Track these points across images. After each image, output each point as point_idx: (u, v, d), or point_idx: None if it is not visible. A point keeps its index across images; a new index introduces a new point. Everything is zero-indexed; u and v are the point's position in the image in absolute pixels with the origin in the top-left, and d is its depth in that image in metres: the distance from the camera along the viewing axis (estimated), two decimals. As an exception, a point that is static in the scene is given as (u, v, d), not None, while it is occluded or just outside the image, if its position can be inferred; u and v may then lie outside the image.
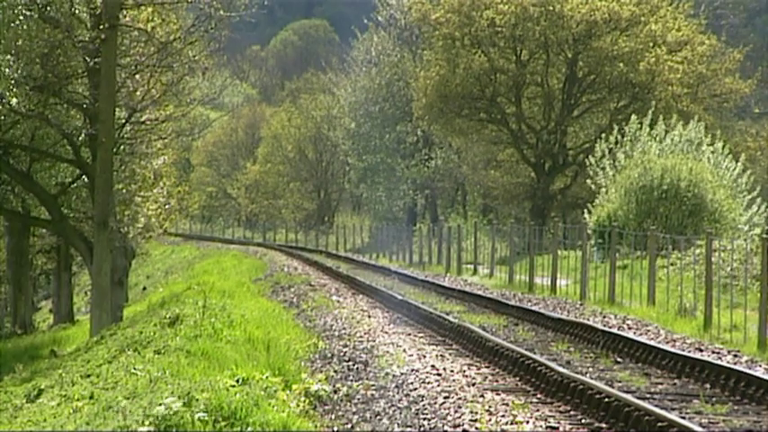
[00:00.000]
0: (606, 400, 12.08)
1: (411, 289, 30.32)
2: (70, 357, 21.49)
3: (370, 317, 22.35)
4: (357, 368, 15.45)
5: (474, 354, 16.90)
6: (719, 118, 53.98)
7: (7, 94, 25.75)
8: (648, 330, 20.21)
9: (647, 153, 37.78)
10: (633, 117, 40.85)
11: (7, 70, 25.92)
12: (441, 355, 16.65)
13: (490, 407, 12.39)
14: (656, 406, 11.87)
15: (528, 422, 11.70)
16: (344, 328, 20.09)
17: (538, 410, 12.44)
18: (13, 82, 25.77)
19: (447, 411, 12.11)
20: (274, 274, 36.25)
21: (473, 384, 13.97)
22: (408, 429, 11.46)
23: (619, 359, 16.66)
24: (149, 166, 31.61)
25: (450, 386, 13.74)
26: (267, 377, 13.09)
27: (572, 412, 12.41)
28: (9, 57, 26.10)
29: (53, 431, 12.21)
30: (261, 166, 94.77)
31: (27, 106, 27.38)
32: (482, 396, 13.09)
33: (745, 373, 13.93)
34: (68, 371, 17.43)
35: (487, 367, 15.59)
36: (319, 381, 13.87)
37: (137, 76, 28.20)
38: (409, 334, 19.50)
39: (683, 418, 11.61)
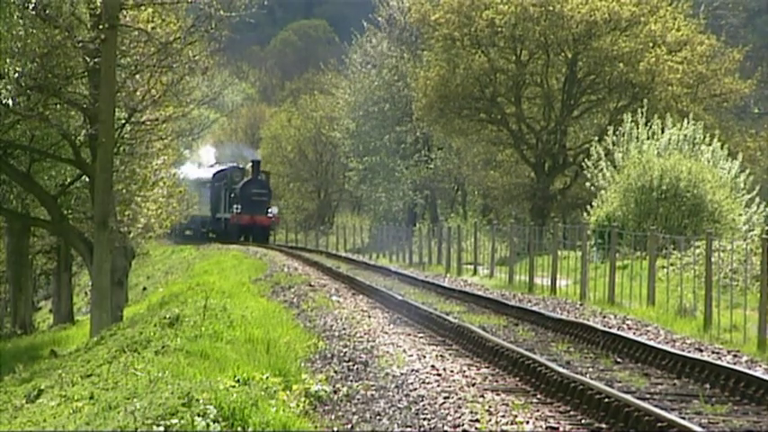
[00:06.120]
0: (606, 400, 12.10)
1: (411, 289, 30.31)
2: (70, 357, 21.49)
3: (370, 317, 22.36)
4: (357, 368, 15.46)
5: (474, 354, 16.91)
6: (719, 118, 53.95)
7: (5, 93, 25.75)
8: (648, 330, 20.23)
9: (645, 153, 37.76)
10: (626, 116, 40.82)
11: (8, 70, 25.92)
12: (441, 356, 16.66)
13: (490, 407, 12.40)
14: (656, 406, 11.89)
15: (528, 422, 11.72)
16: (344, 329, 20.09)
17: (538, 410, 12.45)
18: (9, 82, 25.76)
19: (447, 411, 12.12)
20: (274, 274, 36.24)
21: (473, 384, 13.98)
22: (408, 429, 11.47)
23: (619, 359, 16.68)
24: (149, 167, 31.61)
25: (450, 386, 13.75)
26: (267, 377, 13.10)
27: (572, 412, 12.42)
28: (8, 58, 26.10)
29: (53, 431, 12.21)
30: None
31: (27, 106, 27.39)
32: (482, 396, 13.11)
33: (745, 374, 13.95)
34: (68, 371, 17.42)
35: (487, 367, 15.60)
36: (319, 381, 13.88)
37: (137, 77, 28.20)
38: (409, 334, 19.51)
39: (683, 418, 11.62)
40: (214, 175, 74.26)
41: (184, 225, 70.95)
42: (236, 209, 68.98)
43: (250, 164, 73.44)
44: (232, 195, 70.20)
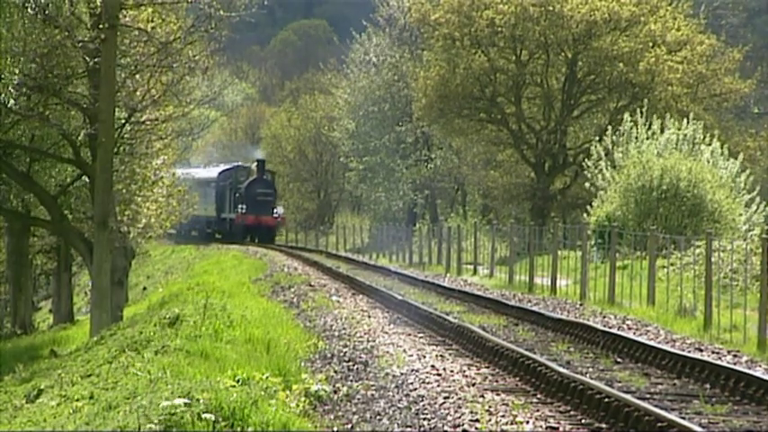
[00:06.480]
0: (606, 400, 12.09)
1: (411, 289, 30.32)
2: (70, 357, 21.50)
3: (369, 317, 22.36)
4: (357, 368, 15.45)
5: (474, 354, 16.91)
6: (719, 118, 53.94)
7: (5, 93, 25.76)
8: (648, 330, 20.23)
9: (645, 153, 37.75)
10: (626, 116, 40.80)
11: (7, 72, 25.92)
12: (441, 356, 16.66)
13: (490, 407, 12.40)
14: (656, 406, 11.89)
15: (528, 422, 11.72)
16: (344, 329, 20.09)
17: (538, 410, 12.45)
18: (9, 82, 25.76)
19: (447, 411, 12.12)
20: (274, 274, 36.24)
21: (473, 384, 13.98)
22: (408, 429, 11.47)
23: (619, 359, 16.68)
24: (149, 167, 31.62)
25: (450, 386, 13.75)
26: (267, 377, 13.10)
27: (572, 412, 12.42)
28: (8, 58, 26.11)
29: (53, 431, 12.22)
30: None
31: (27, 106, 27.40)
32: (482, 396, 13.11)
33: (745, 373, 13.95)
34: (68, 371, 17.43)
35: (487, 367, 15.60)
36: (319, 381, 13.88)
37: (137, 76, 28.21)
38: (409, 334, 19.51)
39: (683, 418, 11.62)
40: (219, 174, 73.53)
41: (189, 225, 70.30)
42: (241, 209, 67.66)
43: (255, 163, 71.75)
44: (237, 195, 68.83)
